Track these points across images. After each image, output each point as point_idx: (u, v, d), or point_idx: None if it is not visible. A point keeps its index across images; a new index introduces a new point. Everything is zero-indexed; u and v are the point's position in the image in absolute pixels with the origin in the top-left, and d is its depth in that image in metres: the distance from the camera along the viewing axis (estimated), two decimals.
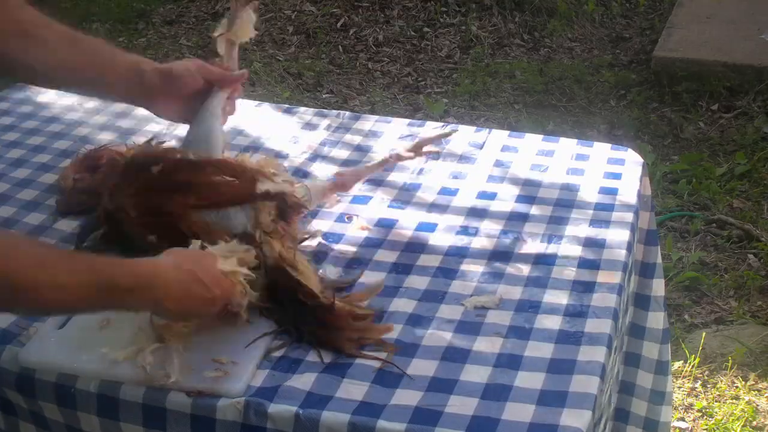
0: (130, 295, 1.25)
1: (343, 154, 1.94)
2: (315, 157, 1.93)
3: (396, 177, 1.85)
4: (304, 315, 1.42)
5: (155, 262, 1.31)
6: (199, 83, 1.56)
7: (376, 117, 2.11)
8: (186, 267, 1.30)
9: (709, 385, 2.70)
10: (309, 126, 2.05)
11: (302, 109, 2.15)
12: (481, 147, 1.95)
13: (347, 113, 2.11)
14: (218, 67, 1.61)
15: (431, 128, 2.03)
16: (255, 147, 1.96)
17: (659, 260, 1.86)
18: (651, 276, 1.84)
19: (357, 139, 2.00)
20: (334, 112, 2.12)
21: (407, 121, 2.09)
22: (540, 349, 1.38)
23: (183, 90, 1.54)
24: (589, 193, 1.78)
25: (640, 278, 1.83)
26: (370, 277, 1.56)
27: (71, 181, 1.76)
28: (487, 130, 2.02)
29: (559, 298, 1.50)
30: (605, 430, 1.51)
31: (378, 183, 1.83)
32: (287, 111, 2.13)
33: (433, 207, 1.76)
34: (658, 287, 1.85)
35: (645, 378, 1.89)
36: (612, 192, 1.77)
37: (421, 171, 1.87)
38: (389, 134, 2.01)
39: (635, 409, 1.90)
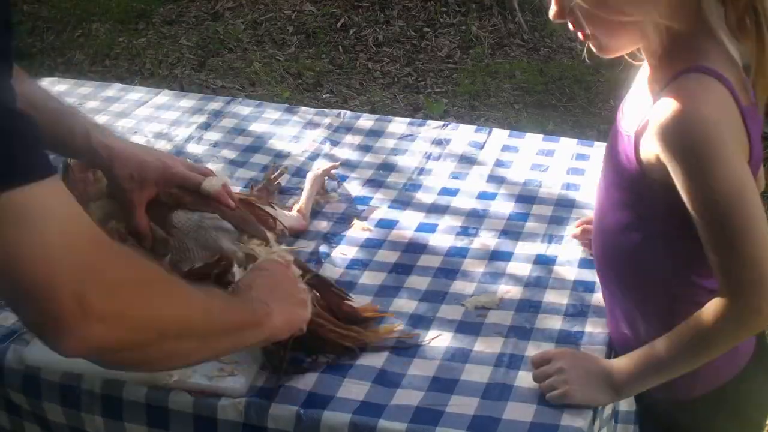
0: (255, 329, 1.23)
1: (344, 153, 1.95)
2: (316, 156, 1.93)
3: (396, 178, 1.86)
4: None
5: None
6: (151, 191, 1.44)
7: (376, 116, 2.11)
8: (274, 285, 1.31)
9: None
10: (310, 125, 2.05)
11: (303, 108, 2.15)
12: (481, 147, 1.95)
13: (348, 113, 2.11)
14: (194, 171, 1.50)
15: (432, 127, 2.03)
16: (256, 147, 1.97)
17: None
18: None
19: (358, 139, 2.00)
20: (335, 111, 2.12)
21: (407, 120, 2.09)
22: (541, 349, 1.39)
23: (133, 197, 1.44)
24: (589, 193, 1.78)
25: None
26: (371, 278, 1.56)
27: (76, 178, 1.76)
28: (488, 130, 2.02)
29: (560, 298, 1.50)
30: None
31: (379, 184, 1.83)
32: (288, 111, 2.13)
33: (433, 207, 1.76)
34: None
35: None
36: None
37: (421, 171, 1.88)
38: (389, 133, 2.01)
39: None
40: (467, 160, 1.91)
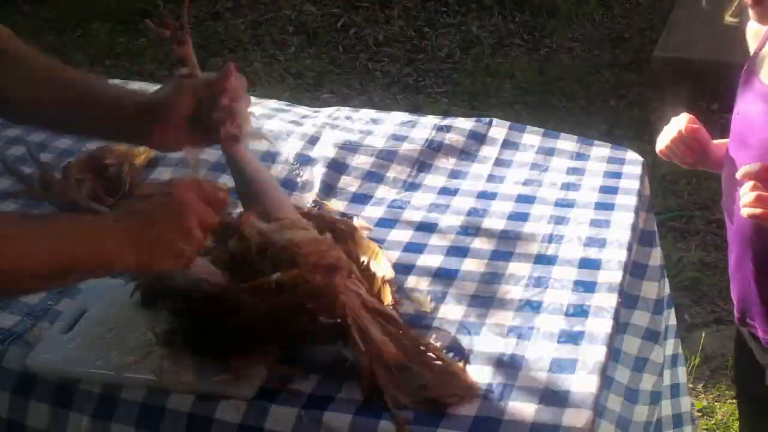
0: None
1: (342, 136, 1.94)
2: (315, 139, 1.93)
3: (396, 175, 1.85)
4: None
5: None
6: (189, 104, 1.39)
7: (374, 110, 2.10)
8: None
9: (709, 385, 2.70)
10: (308, 118, 2.04)
11: (302, 106, 2.15)
12: (481, 142, 1.94)
13: (346, 108, 2.10)
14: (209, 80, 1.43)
15: (431, 118, 2.03)
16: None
17: (652, 263, 1.83)
18: (641, 277, 1.81)
19: (357, 125, 1.99)
20: (333, 108, 2.12)
21: (405, 114, 2.08)
22: (541, 349, 1.39)
23: (173, 118, 1.39)
24: (589, 193, 1.78)
25: (631, 278, 1.82)
26: None
27: (74, 180, 1.76)
28: (487, 121, 2.00)
29: (560, 297, 1.50)
30: None
31: (378, 181, 1.83)
32: (288, 105, 2.13)
33: (433, 206, 1.76)
34: (649, 289, 1.81)
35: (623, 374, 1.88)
36: (612, 192, 1.77)
37: (421, 169, 1.87)
38: (388, 123, 2.01)
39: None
40: (467, 158, 1.90)
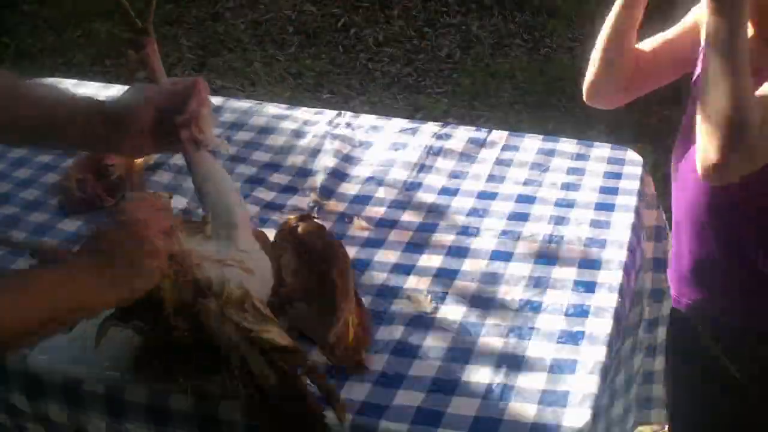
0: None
1: (344, 148, 1.94)
2: (315, 152, 1.93)
3: (396, 176, 1.86)
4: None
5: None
6: (151, 111, 1.37)
7: (375, 116, 2.11)
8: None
9: None
10: (309, 124, 2.05)
11: (303, 108, 2.15)
12: (481, 146, 1.95)
13: (348, 113, 2.11)
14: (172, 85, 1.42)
15: (431, 125, 2.03)
16: (256, 145, 1.96)
17: (663, 255, 1.85)
18: (663, 270, 1.83)
19: (358, 134, 1.99)
20: (335, 111, 2.12)
21: (407, 121, 2.09)
22: (541, 349, 1.39)
23: (137, 125, 1.37)
24: (589, 193, 1.78)
25: (654, 274, 1.84)
26: (369, 278, 1.56)
27: (74, 181, 1.77)
28: (487, 129, 2.01)
29: (560, 298, 1.50)
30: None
31: (379, 182, 1.84)
32: (288, 109, 2.13)
33: (433, 207, 1.76)
34: (666, 280, 1.83)
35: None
36: (612, 192, 1.77)
37: (421, 169, 1.87)
38: (389, 130, 2.01)
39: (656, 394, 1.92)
40: (467, 159, 1.91)
